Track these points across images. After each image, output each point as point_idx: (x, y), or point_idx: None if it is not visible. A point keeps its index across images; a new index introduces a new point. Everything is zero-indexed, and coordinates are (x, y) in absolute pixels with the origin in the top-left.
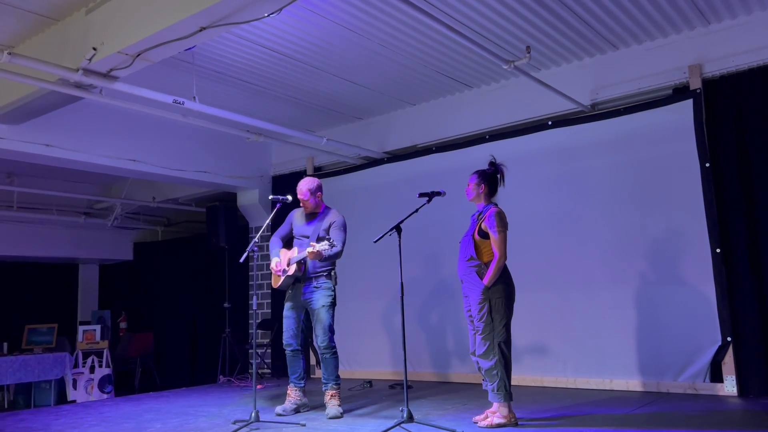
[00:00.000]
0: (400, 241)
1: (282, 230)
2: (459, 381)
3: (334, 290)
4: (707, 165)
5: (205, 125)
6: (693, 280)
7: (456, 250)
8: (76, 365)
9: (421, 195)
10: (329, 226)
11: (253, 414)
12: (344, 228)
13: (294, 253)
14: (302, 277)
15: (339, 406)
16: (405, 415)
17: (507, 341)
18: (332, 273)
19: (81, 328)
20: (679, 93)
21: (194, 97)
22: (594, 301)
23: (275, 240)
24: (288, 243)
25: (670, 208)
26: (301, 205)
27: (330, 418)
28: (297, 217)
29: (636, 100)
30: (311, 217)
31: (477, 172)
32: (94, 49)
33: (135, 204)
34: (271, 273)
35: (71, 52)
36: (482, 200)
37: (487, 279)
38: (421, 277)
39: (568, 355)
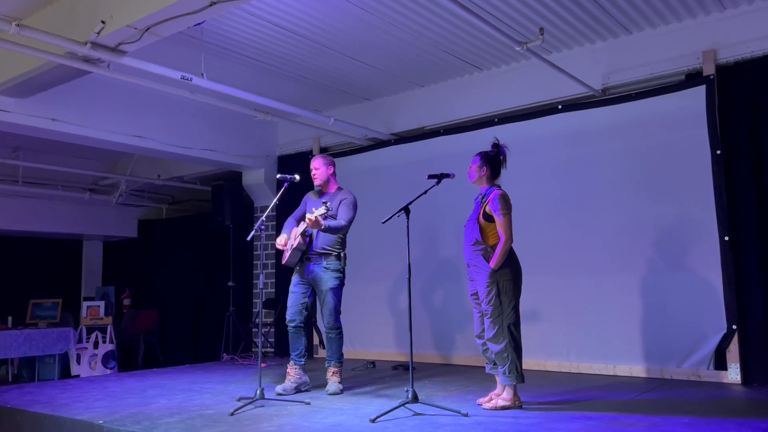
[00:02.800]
0: (408, 222)
1: (297, 212)
2: (462, 363)
3: (342, 272)
4: (718, 152)
5: (213, 102)
6: (700, 268)
7: (459, 233)
8: (80, 341)
9: (431, 176)
10: (339, 204)
11: (258, 391)
12: (353, 206)
13: (301, 229)
14: (309, 253)
15: (339, 383)
16: (410, 396)
17: (516, 323)
18: (342, 254)
19: (85, 304)
20: (692, 79)
21: (202, 74)
22: (600, 286)
23: (290, 221)
24: None
25: (679, 195)
26: (312, 177)
27: (330, 394)
28: (310, 197)
29: (648, 86)
30: (322, 195)
31: (480, 153)
32: (103, 22)
33: (140, 181)
34: (275, 251)
35: (80, 25)
36: (485, 183)
37: (494, 262)
38: (423, 259)
39: (573, 340)
